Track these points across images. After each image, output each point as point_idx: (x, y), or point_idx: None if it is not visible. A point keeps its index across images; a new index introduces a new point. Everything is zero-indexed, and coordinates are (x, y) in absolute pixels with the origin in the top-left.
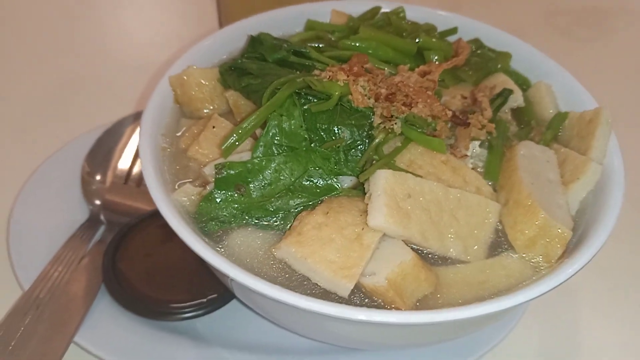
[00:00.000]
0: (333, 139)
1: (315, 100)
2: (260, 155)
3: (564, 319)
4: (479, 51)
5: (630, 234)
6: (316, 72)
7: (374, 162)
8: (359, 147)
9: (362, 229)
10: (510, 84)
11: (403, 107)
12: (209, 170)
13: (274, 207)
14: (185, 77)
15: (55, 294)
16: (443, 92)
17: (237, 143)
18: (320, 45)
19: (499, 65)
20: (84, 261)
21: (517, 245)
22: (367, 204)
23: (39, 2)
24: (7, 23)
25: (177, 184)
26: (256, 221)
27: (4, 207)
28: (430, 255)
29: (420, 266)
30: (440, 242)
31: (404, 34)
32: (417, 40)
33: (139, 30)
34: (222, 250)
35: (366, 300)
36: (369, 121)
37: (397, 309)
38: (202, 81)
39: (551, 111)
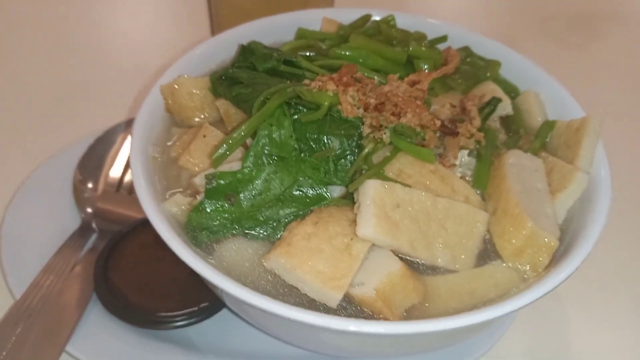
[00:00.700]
0: (323, 149)
1: (305, 110)
2: (250, 165)
3: (554, 323)
4: (468, 59)
5: (619, 238)
6: (306, 81)
7: (364, 171)
8: (349, 156)
9: (351, 239)
10: (499, 93)
11: (392, 117)
12: (199, 181)
13: (264, 216)
14: (176, 86)
15: (47, 303)
16: (432, 101)
17: (227, 153)
18: (311, 54)
19: (488, 74)
20: (75, 269)
21: (505, 254)
22: (356, 214)
23: (32, 7)
24: None
25: (168, 193)
26: (246, 231)
27: None
28: (418, 265)
29: (408, 276)
30: (429, 252)
31: (394, 42)
32: (407, 48)
33: (132, 35)
34: (213, 260)
35: (355, 309)
36: (358, 131)
37: (385, 319)
38: (193, 90)
39: (539, 119)
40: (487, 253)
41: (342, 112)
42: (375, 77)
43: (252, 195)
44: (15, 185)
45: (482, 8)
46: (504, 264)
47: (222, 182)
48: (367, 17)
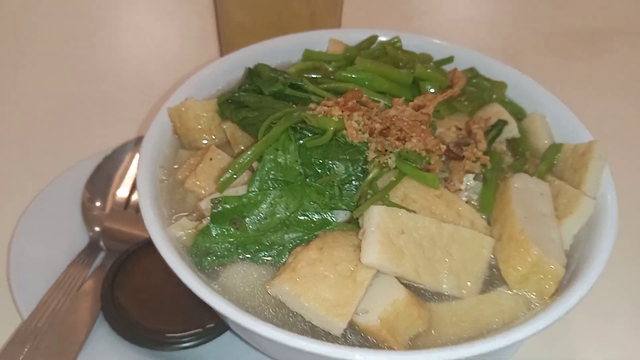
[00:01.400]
0: (328, 174)
1: (310, 135)
2: (256, 189)
3: (559, 348)
4: (474, 80)
5: (626, 263)
6: (312, 106)
7: (369, 196)
8: (354, 181)
9: (356, 265)
10: (506, 115)
11: (397, 142)
12: (205, 205)
13: (270, 241)
14: (183, 109)
15: (54, 322)
16: (438, 123)
17: (233, 177)
18: (317, 77)
19: (494, 96)
20: (83, 289)
21: (510, 281)
22: (361, 240)
23: (41, 23)
24: (7, 43)
25: (174, 217)
26: (252, 256)
27: (4, 234)
28: (423, 291)
29: (413, 304)
30: (434, 278)
31: (400, 63)
32: (412, 70)
33: (142, 54)
34: (217, 286)
35: (359, 338)
36: (364, 156)
37: (390, 347)
38: (200, 113)
39: (546, 142)
40: (493, 279)
41: (347, 137)
42: (381, 101)
43: (258, 220)
44: (24, 203)
45: (486, 22)
46: (510, 291)
47: (227, 206)
48: (373, 39)
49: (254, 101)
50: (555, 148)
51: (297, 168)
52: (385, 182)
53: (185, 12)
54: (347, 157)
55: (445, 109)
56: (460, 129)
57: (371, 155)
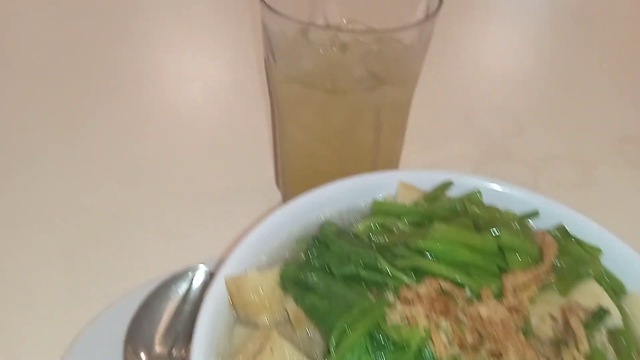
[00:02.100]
0: None
1: (391, 347)
2: None
3: None
4: (564, 242)
5: None
6: (390, 296)
7: None
8: None
9: None
10: (605, 299)
11: (491, 358)
12: None
13: None
14: (242, 281)
15: None
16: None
17: None
18: (389, 242)
19: (590, 270)
20: None
21: None
22: None
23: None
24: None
25: None
26: None
27: None
28: None
29: None
30: None
31: (481, 222)
32: (497, 235)
33: (196, 178)
34: None
35: None
36: None
37: None
38: (261, 287)
39: None
40: None
41: (433, 352)
42: (467, 290)
43: None
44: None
45: (555, 126)
46: None
47: None
48: (448, 185)
49: (322, 285)
50: None
51: None
52: None
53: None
54: None
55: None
56: (555, 318)
57: None
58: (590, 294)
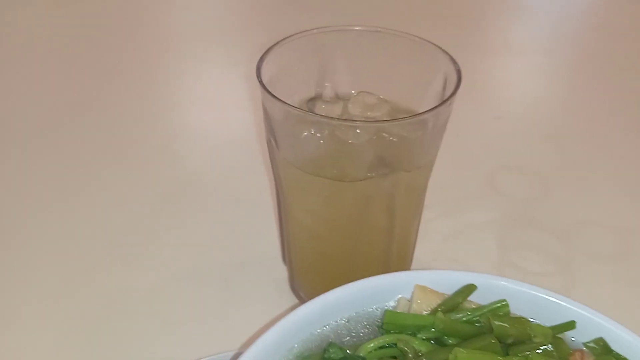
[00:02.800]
0: None
1: None
2: None
3: None
4: (603, 357)
5: None
6: None
7: None
8: None
9: None
10: None
11: None
12: None
13: None
14: None
15: None
16: None
17: None
18: None
19: None
20: None
21: None
22: None
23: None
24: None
25: None
26: None
27: None
28: None
29: None
30: None
31: (509, 340)
32: (527, 353)
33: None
34: None
35: None
36: None
37: None
38: None
39: None
40: None
41: None
42: None
43: None
44: None
45: (583, 189)
46: None
47: None
48: (470, 289)
49: None
50: None
51: None
52: None
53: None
54: None
55: None
56: None
57: None
58: None
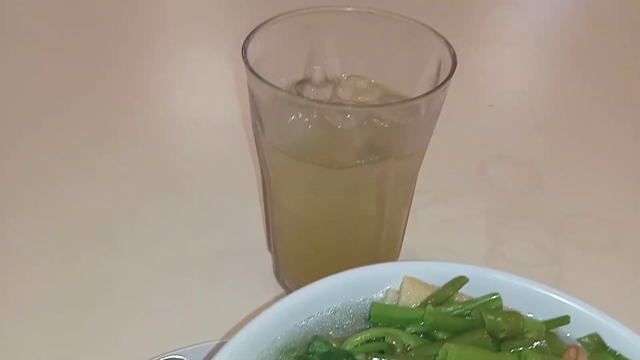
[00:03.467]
0: None
1: None
2: None
3: None
4: (598, 356)
5: None
6: None
7: None
8: None
9: None
10: None
11: None
12: None
13: None
14: None
15: None
16: None
17: None
18: None
19: None
20: None
21: None
22: None
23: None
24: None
25: None
26: None
27: None
28: None
29: None
30: None
31: (500, 335)
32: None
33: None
34: None
35: None
36: None
37: None
38: None
39: None
40: None
41: None
42: None
43: None
44: None
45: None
46: None
47: None
48: (461, 281)
49: None
50: None
51: None
52: None
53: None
54: None
55: None
56: None
57: None
58: None
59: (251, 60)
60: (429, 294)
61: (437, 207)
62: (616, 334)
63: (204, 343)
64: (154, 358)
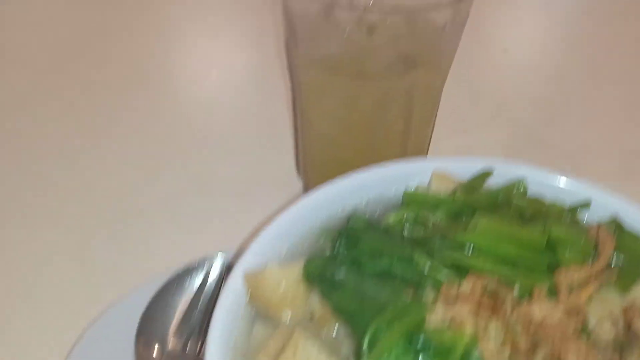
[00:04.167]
0: None
1: (431, 350)
2: None
3: None
4: (619, 236)
5: None
6: (430, 295)
7: None
8: None
9: None
10: None
11: None
12: None
13: None
14: (262, 276)
15: None
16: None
17: None
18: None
19: None
20: None
21: None
22: None
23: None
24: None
25: None
26: None
27: None
28: None
29: None
30: None
31: (526, 215)
32: (546, 228)
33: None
34: None
35: None
36: None
37: None
38: (282, 282)
39: None
40: None
41: (482, 358)
42: (515, 290)
43: None
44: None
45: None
46: None
47: None
48: (487, 174)
49: (352, 283)
50: None
51: None
52: None
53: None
54: None
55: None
56: (615, 320)
57: None
58: None
59: None
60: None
61: (458, 139)
62: (635, 216)
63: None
64: (197, 260)
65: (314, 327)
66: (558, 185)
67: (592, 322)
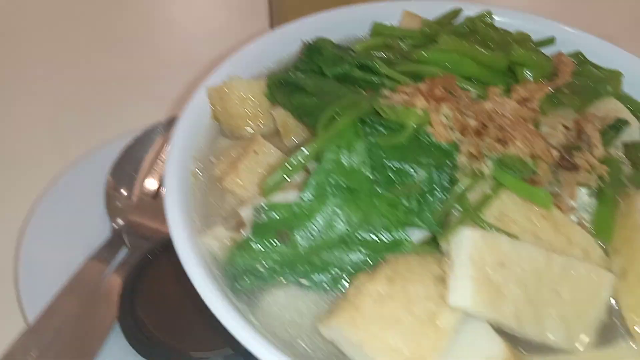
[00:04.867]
0: (404, 182)
1: (383, 131)
2: (310, 196)
3: None
4: (581, 67)
5: None
6: (386, 92)
7: (456, 214)
8: (437, 193)
9: (438, 305)
10: (625, 113)
11: (497, 145)
12: (246, 213)
13: (324, 262)
14: (226, 90)
15: (63, 331)
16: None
17: (283, 179)
18: (390, 57)
19: (609, 87)
20: (98, 291)
21: (638, 334)
22: (446, 273)
23: None
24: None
25: (207, 221)
26: (300, 279)
27: (16, 221)
28: (522, 341)
29: None
30: (538, 326)
31: (491, 44)
32: (508, 52)
33: (181, 23)
34: (254, 319)
35: None
36: (452, 160)
37: None
38: (246, 95)
39: None
40: (612, 329)
41: (432, 136)
42: (471, 89)
43: (311, 234)
44: (39, 189)
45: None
46: (636, 346)
47: (274, 215)
48: (456, 12)
49: (312, 84)
50: None
51: (365, 172)
52: (478, 196)
53: None
54: (431, 162)
55: (547, 102)
56: (568, 128)
57: (462, 160)
58: (609, 110)
59: None
60: None
61: None
62: (595, 49)
63: None
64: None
65: (276, 139)
66: (522, 23)
67: (545, 129)
